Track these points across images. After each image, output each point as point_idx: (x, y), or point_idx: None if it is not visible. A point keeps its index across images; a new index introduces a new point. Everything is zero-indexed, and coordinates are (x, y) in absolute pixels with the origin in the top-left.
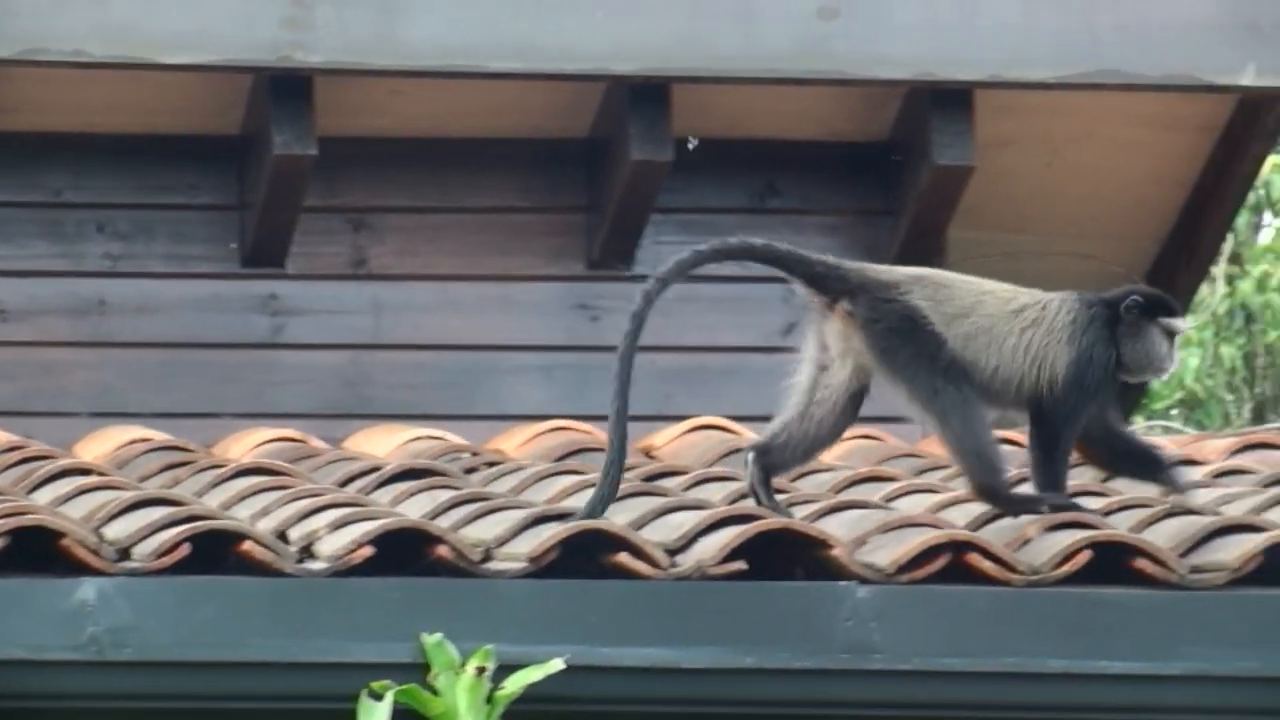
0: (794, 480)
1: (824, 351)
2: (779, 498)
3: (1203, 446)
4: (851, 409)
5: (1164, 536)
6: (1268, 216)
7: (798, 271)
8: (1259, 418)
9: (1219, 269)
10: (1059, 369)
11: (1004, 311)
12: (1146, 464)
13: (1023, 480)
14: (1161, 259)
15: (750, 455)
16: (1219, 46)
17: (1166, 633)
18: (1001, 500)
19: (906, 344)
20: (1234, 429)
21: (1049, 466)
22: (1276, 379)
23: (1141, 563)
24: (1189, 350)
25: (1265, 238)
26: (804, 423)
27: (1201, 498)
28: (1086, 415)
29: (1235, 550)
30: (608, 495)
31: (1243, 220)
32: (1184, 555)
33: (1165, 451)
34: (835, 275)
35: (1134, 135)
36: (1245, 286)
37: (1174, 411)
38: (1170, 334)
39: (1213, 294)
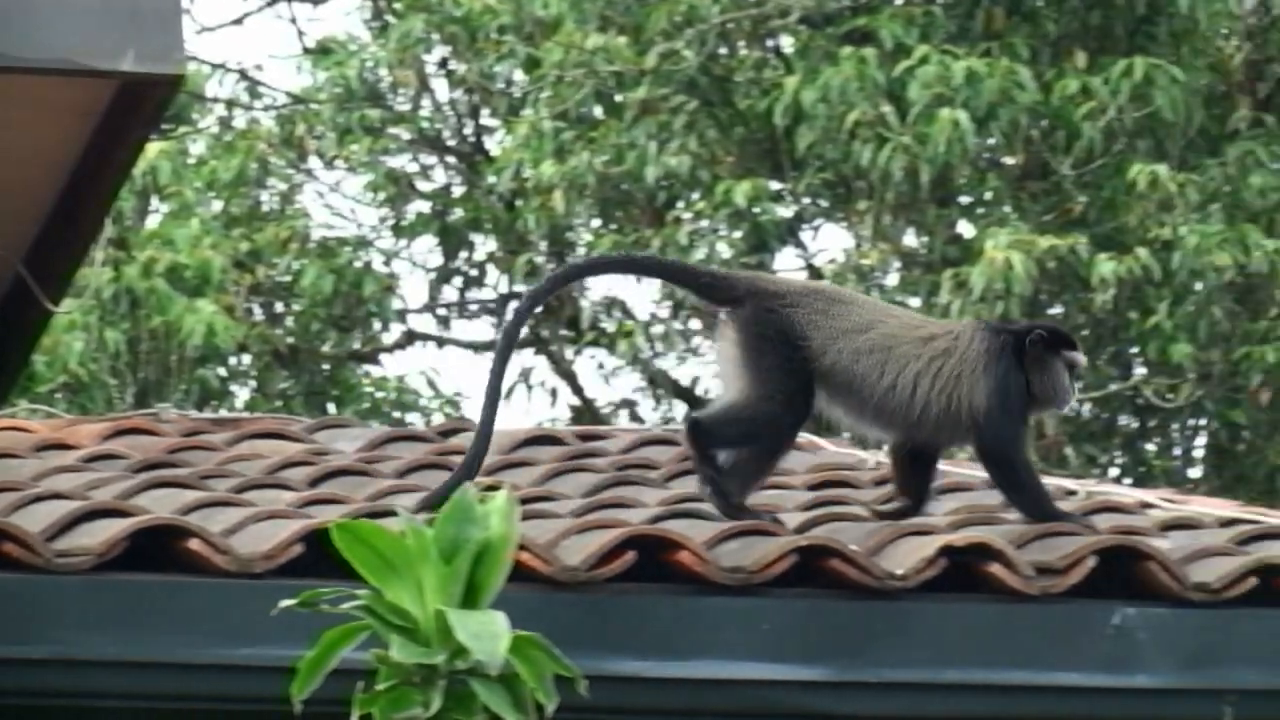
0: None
1: (724, 355)
2: None
3: (76, 431)
4: None
5: (32, 521)
6: (155, 202)
7: (684, 283)
8: (141, 402)
9: (103, 252)
10: (979, 399)
11: (910, 336)
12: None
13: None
14: (41, 240)
15: (686, 424)
16: (100, 31)
17: (30, 615)
18: (729, 513)
19: (773, 352)
20: (117, 413)
21: (1027, 495)
22: (160, 364)
23: (8, 546)
24: (73, 334)
25: (153, 223)
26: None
27: (71, 483)
28: (1024, 435)
29: (101, 535)
30: (456, 483)
31: (130, 205)
32: (50, 540)
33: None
34: (723, 285)
35: (13, 117)
36: (131, 271)
37: (57, 395)
38: (1071, 367)
39: (97, 277)
